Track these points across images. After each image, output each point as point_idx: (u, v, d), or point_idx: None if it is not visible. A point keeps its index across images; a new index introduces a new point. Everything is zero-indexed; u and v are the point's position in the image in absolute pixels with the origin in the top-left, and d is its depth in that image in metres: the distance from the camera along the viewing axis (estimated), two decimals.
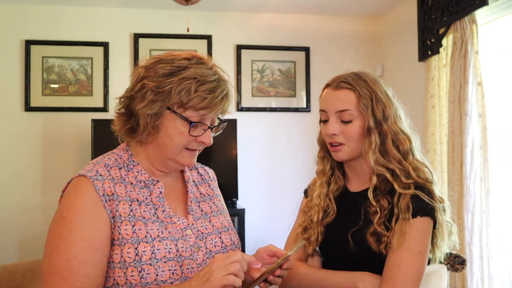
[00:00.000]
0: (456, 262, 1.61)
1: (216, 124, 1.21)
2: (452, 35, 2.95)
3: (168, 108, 1.13)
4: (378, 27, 4.18)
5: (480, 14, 2.80)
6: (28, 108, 3.67)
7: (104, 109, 3.76)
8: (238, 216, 3.35)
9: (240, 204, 3.77)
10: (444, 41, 3.09)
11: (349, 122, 1.32)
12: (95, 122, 3.49)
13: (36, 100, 3.69)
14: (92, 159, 3.38)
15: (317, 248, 1.43)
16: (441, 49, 3.11)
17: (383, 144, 1.32)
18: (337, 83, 1.34)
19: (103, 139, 3.44)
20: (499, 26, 2.83)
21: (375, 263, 1.28)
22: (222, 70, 1.20)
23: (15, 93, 3.67)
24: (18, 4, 3.67)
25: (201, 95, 1.11)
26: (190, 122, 1.13)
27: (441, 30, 3.11)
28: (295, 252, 1.15)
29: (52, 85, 3.73)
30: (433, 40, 3.22)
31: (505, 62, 2.79)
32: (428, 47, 3.28)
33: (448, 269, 1.63)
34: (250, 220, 3.68)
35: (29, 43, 3.68)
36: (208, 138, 1.18)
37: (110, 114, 3.66)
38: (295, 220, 1.52)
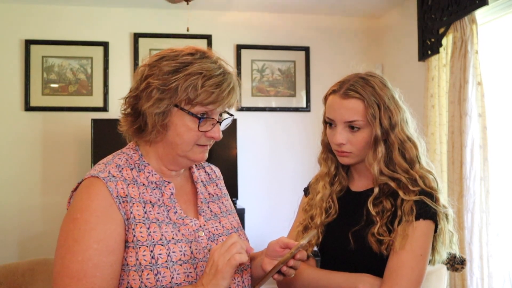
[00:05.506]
0: (456, 262, 1.61)
1: (224, 118, 1.20)
2: (452, 35, 2.95)
3: (176, 105, 1.11)
4: (378, 26, 4.18)
5: (480, 13, 2.80)
6: (28, 107, 3.67)
7: (104, 108, 3.76)
8: (238, 216, 3.35)
9: (240, 204, 3.77)
10: (444, 41, 3.09)
11: (357, 130, 1.31)
12: (95, 122, 3.49)
13: (36, 99, 3.69)
14: (92, 159, 3.43)
15: (316, 248, 1.42)
16: (441, 49, 3.11)
17: (390, 154, 1.31)
18: (344, 91, 1.31)
19: (103, 138, 3.44)
20: (499, 25, 2.83)
21: (374, 264, 1.28)
22: (226, 63, 1.19)
23: (15, 93, 3.67)
24: (18, 4, 3.67)
25: (208, 90, 1.10)
26: (199, 118, 1.12)
27: (441, 30, 3.11)
28: (307, 242, 1.14)
29: (52, 85, 3.73)
30: (433, 39, 3.22)
31: (505, 62, 2.79)
32: (428, 46, 3.28)
33: (448, 268, 1.63)
34: (250, 220, 3.69)
35: (29, 43, 3.68)
36: (218, 132, 1.17)
37: (110, 114, 3.69)
38: (295, 218, 1.52)
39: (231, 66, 1.20)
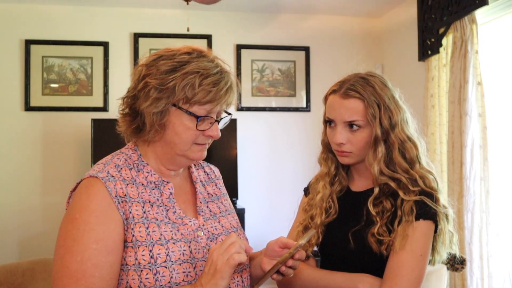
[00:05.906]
0: (456, 262, 1.61)
1: (222, 116, 1.20)
2: (452, 35, 2.95)
3: (174, 104, 1.11)
4: (378, 26, 4.18)
5: (480, 13, 2.80)
6: (28, 107, 3.67)
7: (104, 108, 3.76)
8: (238, 216, 3.35)
9: (240, 204, 3.77)
10: (444, 41, 3.09)
11: (357, 130, 1.31)
12: (95, 122, 3.49)
13: (36, 99, 3.69)
14: (92, 159, 3.43)
15: (315, 248, 1.42)
16: (441, 49, 3.11)
17: (390, 154, 1.31)
18: (345, 90, 1.31)
19: (103, 138, 3.44)
20: (499, 25, 2.83)
21: (374, 264, 1.28)
22: (223, 62, 1.19)
23: (15, 93, 3.67)
24: (18, 4, 3.67)
25: (205, 88, 1.10)
26: (197, 117, 1.12)
27: (441, 30, 3.11)
28: (306, 241, 1.14)
29: (52, 85, 3.73)
30: (433, 39, 3.22)
31: (505, 61, 2.79)
32: (428, 46, 3.28)
33: (448, 268, 1.63)
34: (250, 220, 3.69)
35: (29, 43, 3.68)
36: (216, 131, 1.17)
37: (110, 114, 3.69)
38: (295, 218, 1.51)
39: (228, 65, 1.19)
